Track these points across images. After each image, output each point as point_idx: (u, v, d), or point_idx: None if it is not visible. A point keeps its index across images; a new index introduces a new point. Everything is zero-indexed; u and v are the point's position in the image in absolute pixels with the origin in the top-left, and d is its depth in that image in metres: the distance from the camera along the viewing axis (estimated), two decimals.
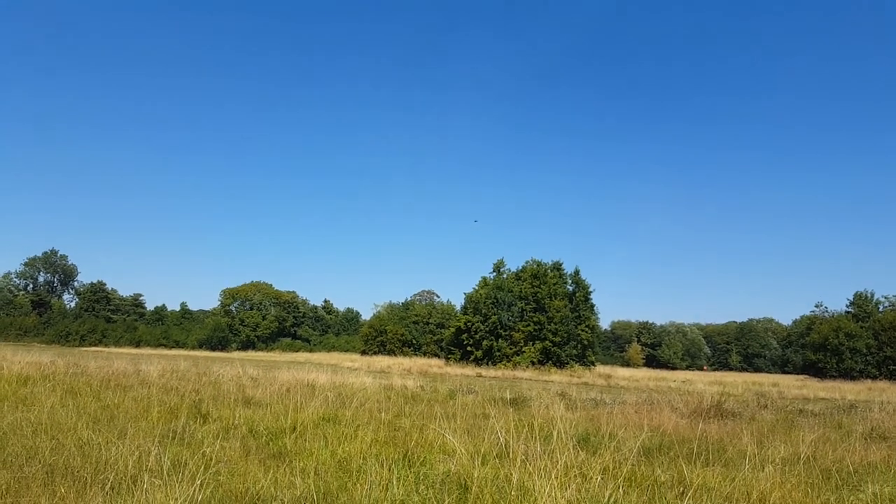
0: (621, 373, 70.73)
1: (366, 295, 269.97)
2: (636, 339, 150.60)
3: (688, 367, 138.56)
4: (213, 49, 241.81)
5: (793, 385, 54.55)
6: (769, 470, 8.16)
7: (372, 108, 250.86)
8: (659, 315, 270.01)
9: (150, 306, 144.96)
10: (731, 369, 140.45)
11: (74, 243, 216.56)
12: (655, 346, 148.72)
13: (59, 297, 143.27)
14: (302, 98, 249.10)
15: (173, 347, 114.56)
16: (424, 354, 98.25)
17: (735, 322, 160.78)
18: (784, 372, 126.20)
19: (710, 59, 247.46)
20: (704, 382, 42.13)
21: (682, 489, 7.67)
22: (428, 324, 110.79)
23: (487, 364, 71.79)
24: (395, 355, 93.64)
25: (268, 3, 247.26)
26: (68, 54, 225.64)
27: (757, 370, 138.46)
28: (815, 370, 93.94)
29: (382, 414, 13.18)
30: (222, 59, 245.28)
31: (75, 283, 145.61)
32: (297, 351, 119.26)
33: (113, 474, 6.76)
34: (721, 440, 11.94)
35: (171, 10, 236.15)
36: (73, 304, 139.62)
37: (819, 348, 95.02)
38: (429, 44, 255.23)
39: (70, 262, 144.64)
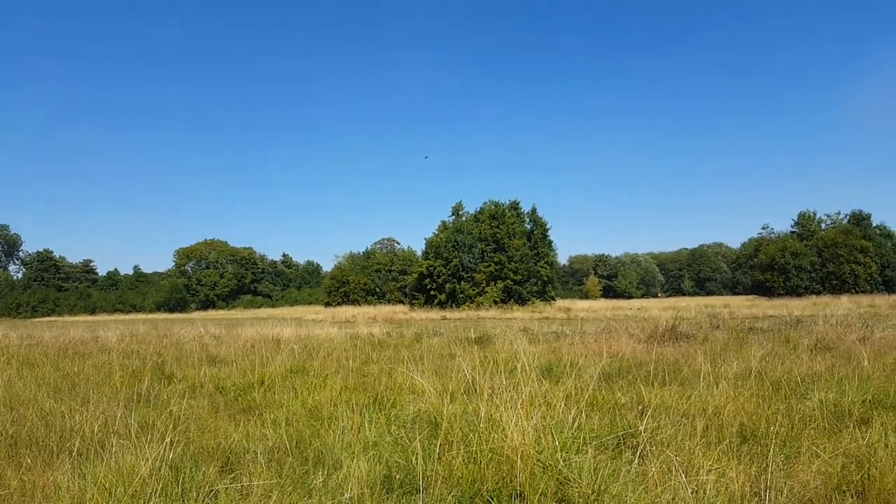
0: (580, 305, 72.78)
1: (325, 247, 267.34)
2: (593, 271, 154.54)
3: (643, 296, 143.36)
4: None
5: (743, 305, 57.14)
6: (723, 385, 8.57)
7: (323, 46, 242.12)
8: (614, 247, 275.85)
9: (102, 272, 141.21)
10: (684, 294, 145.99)
11: (14, 213, 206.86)
12: (612, 278, 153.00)
13: (5, 268, 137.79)
14: (256, 47, 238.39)
15: (130, 312, 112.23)
16: (389, 302, 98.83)
17: (687, 249, 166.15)
18: (734, 293, 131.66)
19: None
20: (659, 308, 43.64)
21: (641, 409, 8.03)
22: (390, 271, 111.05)
23: (451, 307, 72.81)
24: (360, 305, 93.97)
25: None
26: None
27: (709, 293, 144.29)
28: (763, 290, 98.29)
29: (350, 362, 13.30)
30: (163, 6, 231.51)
31: (20, 254, 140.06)
32: (258, 307, 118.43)
33: (79, 441, 6.68)
34: (676, 361, 12.47)
35: None
36: (20, 276, 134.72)
37: (766, 268, 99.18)
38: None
39: (12, 232, 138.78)
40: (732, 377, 9.74)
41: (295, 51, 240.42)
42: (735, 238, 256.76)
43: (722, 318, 28.51)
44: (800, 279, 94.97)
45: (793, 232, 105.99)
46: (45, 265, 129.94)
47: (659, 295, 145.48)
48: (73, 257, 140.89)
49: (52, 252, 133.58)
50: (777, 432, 6.71)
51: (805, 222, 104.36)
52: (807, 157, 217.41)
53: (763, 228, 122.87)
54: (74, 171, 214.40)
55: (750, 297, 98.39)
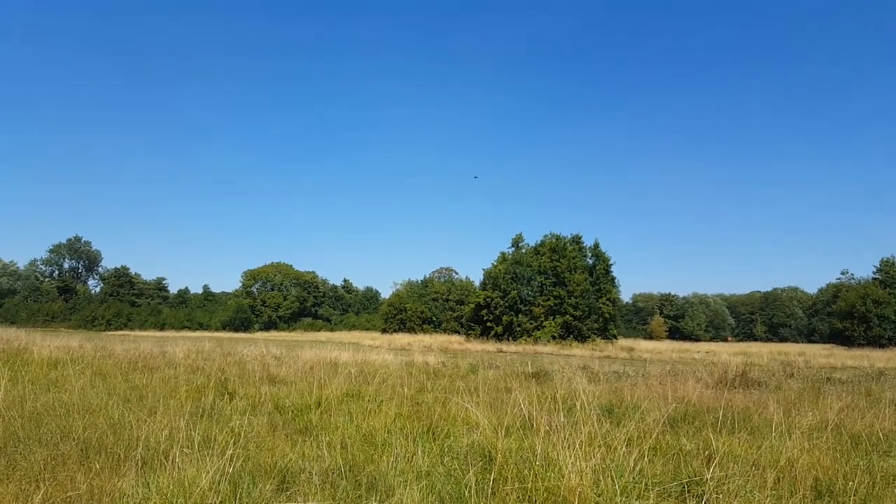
0: (644, 345, 70.53)
1: (385, 273, 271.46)
2: (658, 311, 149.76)
3: (712, 339, 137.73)
4: (224, 36, 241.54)
5: (819, 354, 53.98)
6: (796, 437, 8.08)
7: (386, 84, 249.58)
8: (681, 287, 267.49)
9: (173, 289, 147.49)
10: (755, 340, 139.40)
11: (97, 230, 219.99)
12: (678, 318, 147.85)
13: (84, 282, 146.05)
14: (317, 76, 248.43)
15: (197, 329, 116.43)
16: (444, 331, 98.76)
17: (759, 292, 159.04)
18: (810, 341, 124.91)
19: (730, 27, 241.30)
20: (729, 353, 41.81)
21: (707, 456, 7.65)
22: (447, 301, 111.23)
23: (508, 339, 71.99)
24: (416, 333, 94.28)
25: None
26: (86, 41, 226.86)
27: (782, 340, 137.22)
28: (842, 339, 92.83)
29: (405, 389, 13.28)
30: (235, 43, 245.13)
31: (99, 269, 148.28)
32: (318, 330, 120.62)
33: (145, 450, 6.90)
34: (747, 409, 11.85)
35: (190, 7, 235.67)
36: (97, 290, 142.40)
37: (846, 316, 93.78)
38: (445, 18, 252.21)
39: (94, 249, 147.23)
40: (807, 428, 9.16)
41: (361, 76, 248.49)
42: (811, 283, 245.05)
43: (796, 367, 27.05)
44: (882, 329, 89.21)
45: (875, 279, 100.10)
46: (122, 281, 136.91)
47: (729, 339, 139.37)
48: (148, 275, 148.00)
49: (128, 269, 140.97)
50: (856, 490, 6.25)
51: (889, 269, 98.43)
52: (890, 199, 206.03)
53: (842, 274, 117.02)
54: (151, 192, 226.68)
55: (827, 345, 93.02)
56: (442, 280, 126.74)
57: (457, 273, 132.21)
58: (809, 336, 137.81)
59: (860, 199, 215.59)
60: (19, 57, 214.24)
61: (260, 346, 27.10)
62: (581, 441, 6.28)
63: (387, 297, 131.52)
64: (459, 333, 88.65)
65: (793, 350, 62.02)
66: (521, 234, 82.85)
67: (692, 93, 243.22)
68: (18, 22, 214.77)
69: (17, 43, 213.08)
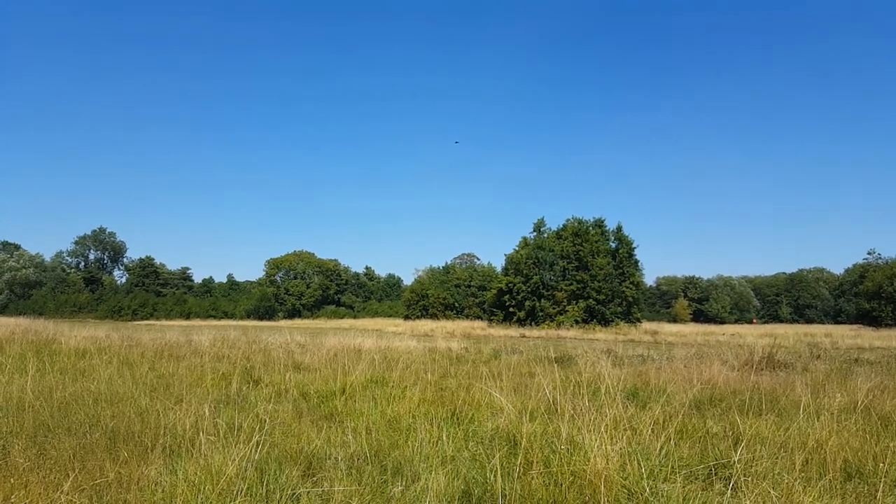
0: (668, 329, 69.90)
1: (406, 260, 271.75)
2: (682, 294, 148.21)
3: (736, 321, 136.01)
4: (252, 24, 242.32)
5: (846, 335, 53.01)
6: (825, 418, 7.95)
7: (404, 74, 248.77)
8: (705, 269, 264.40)
9: (197, 279, 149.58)
10: (781, 321, 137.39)
11: (122, 221, 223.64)
12: (703, 301, 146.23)
13: (110, 273, 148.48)
14: (339, 66, 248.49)
15: (222, 318, 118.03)
16: (467, 317, 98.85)
17: (784, 273, 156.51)
18: (837, 322, 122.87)
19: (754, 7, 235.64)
20: (754, 335, 41.30)
21: (734, 439, 7.55)
22: (469, 286, 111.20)
23: (531, 324, 71.84)
24: (438, 319, 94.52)
25: None
26: (110, 33, 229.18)
27: (809, 321, 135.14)
28: (869, 319, 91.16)
29: (428, 375, 13.31)
30: (260, 34, 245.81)
31: (125, 260, 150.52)
32: (341, 318, 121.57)
33: (171, 438, 7.00)
34: (774, 391, 11.67)
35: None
36: (123, 280, 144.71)
37: (873, 296, 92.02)
38: (461, 3, 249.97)
39: (119, 240, 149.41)
40: (836, 410, 8.99)
41: (378, 68, 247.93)
42: (837, 263, 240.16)
43: (823, 348, 26.63)
44: None
45: None
46: (147, 271, 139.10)
47: (754, 321, 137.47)
48: (172, 265, 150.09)
49: (153, 259, 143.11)
50: (887, 471, 6.12)
51: None
52: None
53: (869, 254, 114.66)
54: (175, 182, 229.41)
55: (854, 326, 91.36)
56: (464, 266, 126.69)
57: (478, 259, 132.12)
58: (836, 317, 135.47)
59: (886, 177, 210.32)
60: (40, 54, 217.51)
61: (284, 333, 27.39)
62: (606, 425, 6.22)
63: (409, 283, 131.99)
64: (482, 319, 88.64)
65: (819, 331, 60.98)
66: (542, 219, 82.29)
67: (713, 72, 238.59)
68: (38, 20, 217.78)
69: (35, 40, 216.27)
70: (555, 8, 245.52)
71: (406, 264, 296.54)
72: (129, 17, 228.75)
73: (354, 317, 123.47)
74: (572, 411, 7.15)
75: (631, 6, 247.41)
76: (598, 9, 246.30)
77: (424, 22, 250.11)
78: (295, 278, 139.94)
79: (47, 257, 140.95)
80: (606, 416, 6.61)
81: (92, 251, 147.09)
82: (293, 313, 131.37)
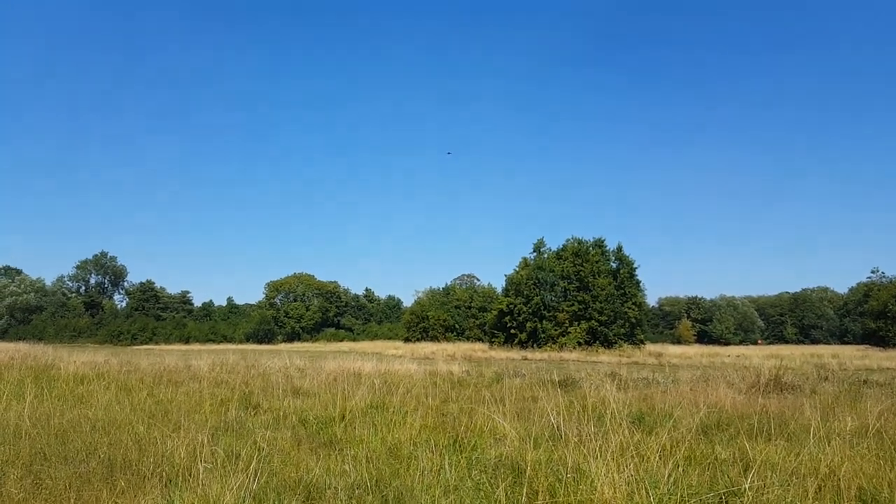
0: (672, 350, 69.44)
1: (406, 282, 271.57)
2: (686, 315, 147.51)
3: (741, 342, 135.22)
4: (251, 45, 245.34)
5: (854, 356, 52.62)
6: (836, 443, 7.77)
7: (401, 95, 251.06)
8: (708, 289, 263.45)
9: (197, 302, 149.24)
10: (787, 342, 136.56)
11: (123, 244, 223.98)
12: (706, 322, 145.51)
13: (110, 297, 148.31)
14: (335, 90, 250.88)
15: (221, 342, 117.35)
16: (468, 339, 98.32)
17: (788, 293, 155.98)
18: (843, 342, 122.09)
19: (744, 30, 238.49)
20: (760, 356, 40.98)
21: (744, 465, 7.38)
22: (470, 308, 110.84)
23: (532, 346, 71.40)
24: (439, 341, 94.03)
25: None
26: (110, 54, 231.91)
27: (814, 342, 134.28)
28: (876, 339, 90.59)
29: (429, 400, 13.12)
30: (258, 55, 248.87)
31: (125, 284, 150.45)
32: (340, 340, 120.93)
33: (169, 467, 6.85)
34: (782, 414, 11.48)
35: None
36: (123, 304, 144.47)
37: (879, 316, 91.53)
38: (456, 30, 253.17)
39: (119, 264, 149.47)
40: (847, 434, 8.80)
41: (377, 92, 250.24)
42: (841, 282, 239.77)
43: (831, 369, 26.38)
44: None
45: None
46: (147, 295, 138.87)
47: (759, 342, 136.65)
48: (172, 288, 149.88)
49: (153, 283, 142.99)
50: None
51: None
52: None
53: (873, 272, 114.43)
54: (175, 205, 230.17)
55: (861, 346, 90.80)
56: (464, 287, 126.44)
57: (479, 280, 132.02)
58: (842, 337, 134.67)
59: (888, 195, 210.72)
60: (39, 78, 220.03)
61: (283, 357, 27.17)
62: (612, 451, 6.07)
63: (409, 305, 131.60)
64: (483, 341, 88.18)
65: (826, 352, 60.61)
66: (542, 239, 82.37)
67: (714, 90, 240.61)
68: (29, 49, 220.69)
69: (34, 62, 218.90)
70: (555, 29, 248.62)
71: (406, 286, 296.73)
72: (118, 39, 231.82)
73: (354, 339, 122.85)
74: (577, 437, 7.00)
75: (629, 29, 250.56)
76: (599, 30, 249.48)
77: (422, 41, 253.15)
78: (294, 301, 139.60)
79: (48, 282, 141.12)
80: (612, 443, 6.46)
81: (93, 275, 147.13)
82: (292, 336, 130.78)
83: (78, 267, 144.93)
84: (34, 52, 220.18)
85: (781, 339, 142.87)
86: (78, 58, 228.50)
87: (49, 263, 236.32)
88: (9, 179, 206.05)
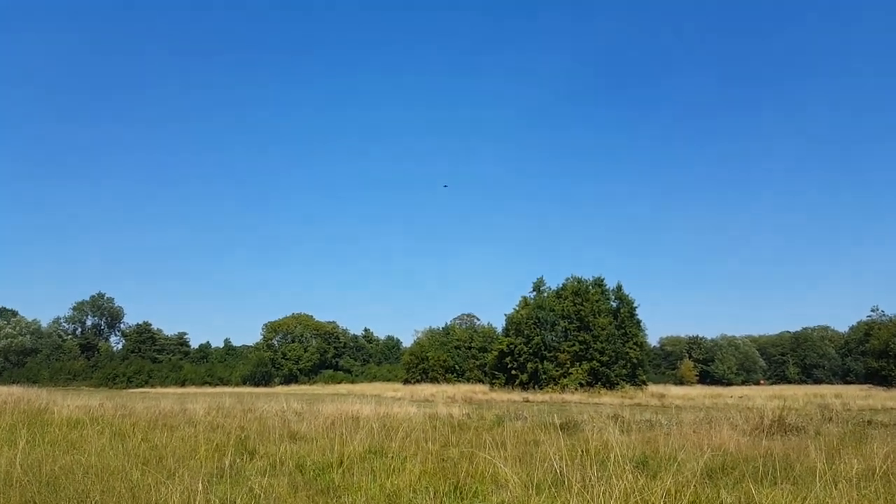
0: (675, 391, 68.67)
1: (406, 321, 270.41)
2: (687, 354, 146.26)
3: (744, 382, 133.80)
4: (239, 84, 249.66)
5: (857, 395, 52.08)
6: (843, 487, 7.62)
7: (401, 132, 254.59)
8: (708, 329, 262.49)
9: (194, 344, 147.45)
10: (789, 382, 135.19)
11: (120, 285, 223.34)
12: (708, 362, 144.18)
13: (107, 339, 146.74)
14: (333, 126, 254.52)
15: (217, 385, 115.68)
16: (468, 380, 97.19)
17: (789, 332, 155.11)
18: (846, 382, 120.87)
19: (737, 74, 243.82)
20: (763, 397, 40.55)
21: None
22: (470, 348, 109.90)
23: (534, 388, 70.52)
24: (439, 383, 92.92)
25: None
26: (113, 94, 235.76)
27: (817, 381, 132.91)
28: (879, 378, 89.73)
29: (429, 444, 12.89)
30: (260, 96, 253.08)
31: (122, 325, 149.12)
32: (339, 382, 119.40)
33: None
34: (787, 457, 11.28)
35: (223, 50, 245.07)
36: (120, 346, 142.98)
37: (881, 355, 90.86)
38: (456, 65, 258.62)
39: (116, 305, 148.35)
40: (854, 477, 8.63)
41: (377, 127, 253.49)
42: (841, 321, 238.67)
43: (834, 410, 26.07)
44: None
45: None
46: (143, 337, 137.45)
47: (762, 382, 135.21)
48: (169, 329, 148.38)
49: (150, 324, 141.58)
50: None
51: None
52: None
53: (872, 311, 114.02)
54: (174, 245, 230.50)
55: (864, 386, 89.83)
56: (464, 327, 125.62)
57: (478, 319, 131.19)
58: (844, 377, 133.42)
59: (886, 233, 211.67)
60: (35, 121, 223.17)
61: (281, 400, 26.78)
62: (617, 497, 5.93)
63: (408, 345, 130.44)
64: (483, 382, 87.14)
65: (829, 392, 59.98)
66: (542, 278, 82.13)
67: (711, 134, 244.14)
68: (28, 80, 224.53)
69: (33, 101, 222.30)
70: (556, 67, 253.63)
71: (405, 325, 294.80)
72: (114, 79, 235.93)
73: (352, 381, 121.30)
74: (581, 483, 6.85)
75: (629, 70, 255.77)
76: (598, 68, 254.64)
77: (423, 78, 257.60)
78: (293, 342, 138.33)
79: (44, 323, 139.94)
80: (616, 488, 6.32)
81: (89, 317, 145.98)
82: (290, 378, 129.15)
83: (74, 308, 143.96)
84: (32, 93, 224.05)
85: (784, 379, 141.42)
86: (75, 98, 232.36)
87: (46, 304, 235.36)
88: (6, 219, 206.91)
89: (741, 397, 48.52)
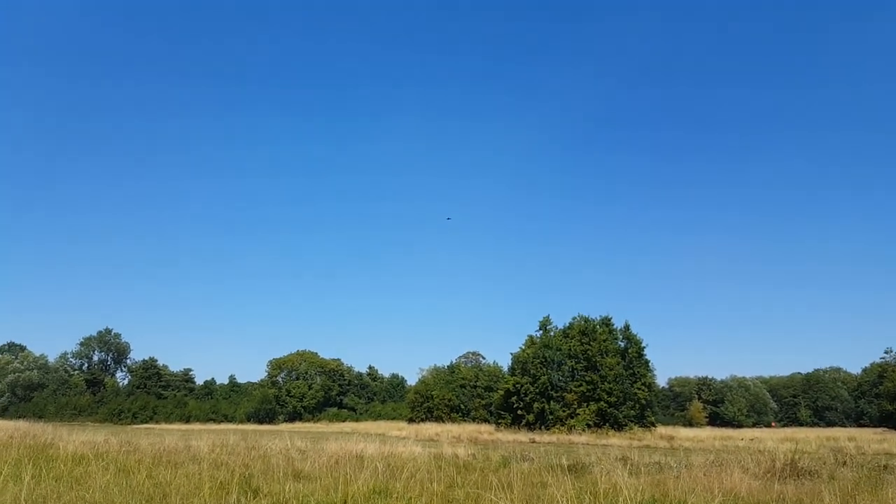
0: (684, 433, 67.42)
1: (410, 359, 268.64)
2: (696, 395, 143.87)
3: (754, 424, 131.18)
4: (243, 118, 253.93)
5: (872, 439, 50.89)
6: None
7: (406, 170, 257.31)
8: (718, 369, 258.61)
9: (199, 380, 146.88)
10: (801, 424, 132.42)
11: (126, 321, 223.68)
12: (718, 403, 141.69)
13: (113, 375, 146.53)
14: (339, 164, 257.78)
15: (222, 422, 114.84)
16: (473, 420, 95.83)
17: (800, 373, 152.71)
18: (860, 425, 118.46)
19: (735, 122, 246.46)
20: (774, 440, 39.73)
21: None
22: (475, 387, 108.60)
23: (540, 428, 69.42)
24: (444, 422, 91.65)
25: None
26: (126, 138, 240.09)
27: (830, 424, 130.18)
28: (894, 422, 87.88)
29: (434, 485, 12.71)
30: (261, 131, 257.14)
31: (128, 361, 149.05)
32: (343, 421, 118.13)
33: None
34: (800, 502, 11.06)
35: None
36: (125, 382, 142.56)
37: (895, 398, 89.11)
38: (462, 107, 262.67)
39: (123, 341, 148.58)
40: None
41: (380, 164, 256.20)
42: (853, 362, 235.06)
43: (848, 453, 25.51)
44: None
45: None
46: (149, 373, 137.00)
47: (773, 424, 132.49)
48: (175, 366, 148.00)
49: (156, 360, 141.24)
50: None
51: None
52: None
53: (886, 353, 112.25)
54: (179, 281, 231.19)
55: (879, 429, 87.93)
56: (469, 365, 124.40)
57: (484, 358, 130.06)
58: (858, 419, 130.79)
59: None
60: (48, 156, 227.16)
61: (285, 438, 26.53)
62: None
63: (413, 384, 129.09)
64: (489, 422, 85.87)
65: (842, 435, 58.67)
66: (548, 317, 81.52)
67: (721, 174, 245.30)
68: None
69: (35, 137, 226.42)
70: (564, 108, 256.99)
71: (410, 363, 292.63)
72: (127, 107, 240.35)
73: (357, 420, 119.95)
74: None
75: (629, 115, 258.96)
76: (610, 110, 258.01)
77: (425, 111, 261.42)
78: (297, 379, 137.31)
79: (52, 358, 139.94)
80: None
81: (96, 352, 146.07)
82: (294, 416, 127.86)
83: (82, 343, 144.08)
84: (35, 122, 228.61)
85: (795, 422, 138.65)
86: (87, 127, 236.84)
87: (54, 338, 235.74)
88: (15, 254, 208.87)
89: (752, 440, 47.53)
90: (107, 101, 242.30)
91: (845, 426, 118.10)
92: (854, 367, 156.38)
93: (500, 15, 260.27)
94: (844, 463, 20.49)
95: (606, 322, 78.82)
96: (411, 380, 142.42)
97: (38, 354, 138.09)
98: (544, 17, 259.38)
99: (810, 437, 47.09)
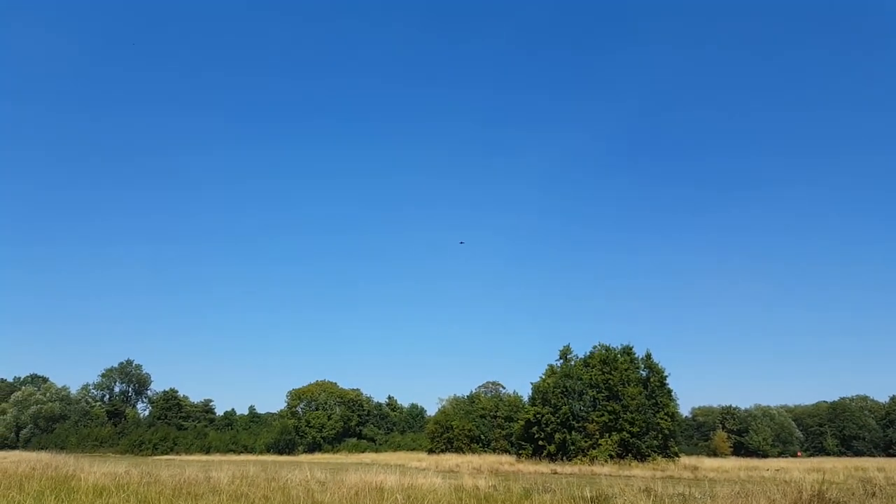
0: (708, 463, 65.89)
1: (430, 389, 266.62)
2: (720, 425, 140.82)
3: (780, 454, 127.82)
4: (265, 149, 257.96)
5: None
6: None
7: (426, 201, 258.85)
8: (742, 398, 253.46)
9: (219, 411, 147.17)
10: (827, 454, 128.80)
11: (147, 352, 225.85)
12: (742, 433, 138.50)
13: (134, 406, 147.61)
14: (359, 194, 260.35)
15: (242, 452, 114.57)
16: (494, 451, 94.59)
17: (826, 402, 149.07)
18: (889, 455, 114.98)
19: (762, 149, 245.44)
20: (801, 470, 38.67)
21: None
22: (495, 417, 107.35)
23: (562, 459, 68.27)
24: (464, 453, 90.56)
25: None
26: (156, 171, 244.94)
27: (857, 454, 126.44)
28: None
29: None
30: (279, 161, 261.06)
31: (149, 392, 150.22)
32: (362, 451, 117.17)
33: None
34: None
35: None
36: (146, 413, 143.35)
37: None
38: (485, 138, 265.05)
39: (144, 372, 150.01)
40: None
41: (401, 196, 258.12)
42: (881, 390, 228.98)
43: (878, 484, 24.77)
44: None
45: None
46: (170, 404, 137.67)
47: (799, 454, 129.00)
48: (195, 396, 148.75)
49: (176, 391, 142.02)
50: None
51: None
52: None
53: None
54: (200, 312, 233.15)
55: None
56: (489, 395, 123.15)
57: (504, 387, 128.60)
58: (887, 449, 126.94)
59: None
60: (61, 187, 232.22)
61: (304, 469, 26.47)
62: None
63: (432, 414, 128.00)
64: (510, 453, 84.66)
65: (871, 465, 56.98)
66: (568, 346, 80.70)
67: (743, 200, 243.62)
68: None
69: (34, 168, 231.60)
70: (588, 137, 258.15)
71: (430, 393, 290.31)
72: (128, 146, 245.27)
73: (376, 450, 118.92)
74: None
75: (655, 144, 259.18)
76: (632, 137, 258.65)
77: (447, 135, 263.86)
78: (316, 409, 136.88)
79: (74, 390, 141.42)
80: None
81: (118, 384, 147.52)
82: (314, 447, 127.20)
83: (103, 375, 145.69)
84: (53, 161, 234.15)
85: (822, 451, 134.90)
86: (108, 165, 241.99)
87: (76, 370, 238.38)
88: (38, 287, 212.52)
89: (778, 470, 46.34)
90: (141, 137, 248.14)
91: (873, 456, 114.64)
92: (881, 395, 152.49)
93: (512, 47, 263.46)
94: (874, 494, 19.93)
95: (627, 351, 77.87)
96: (431, 410, 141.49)
97: (60, 386, 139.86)
98: (554, 48, 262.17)
99: (838, 468, 45.84)
